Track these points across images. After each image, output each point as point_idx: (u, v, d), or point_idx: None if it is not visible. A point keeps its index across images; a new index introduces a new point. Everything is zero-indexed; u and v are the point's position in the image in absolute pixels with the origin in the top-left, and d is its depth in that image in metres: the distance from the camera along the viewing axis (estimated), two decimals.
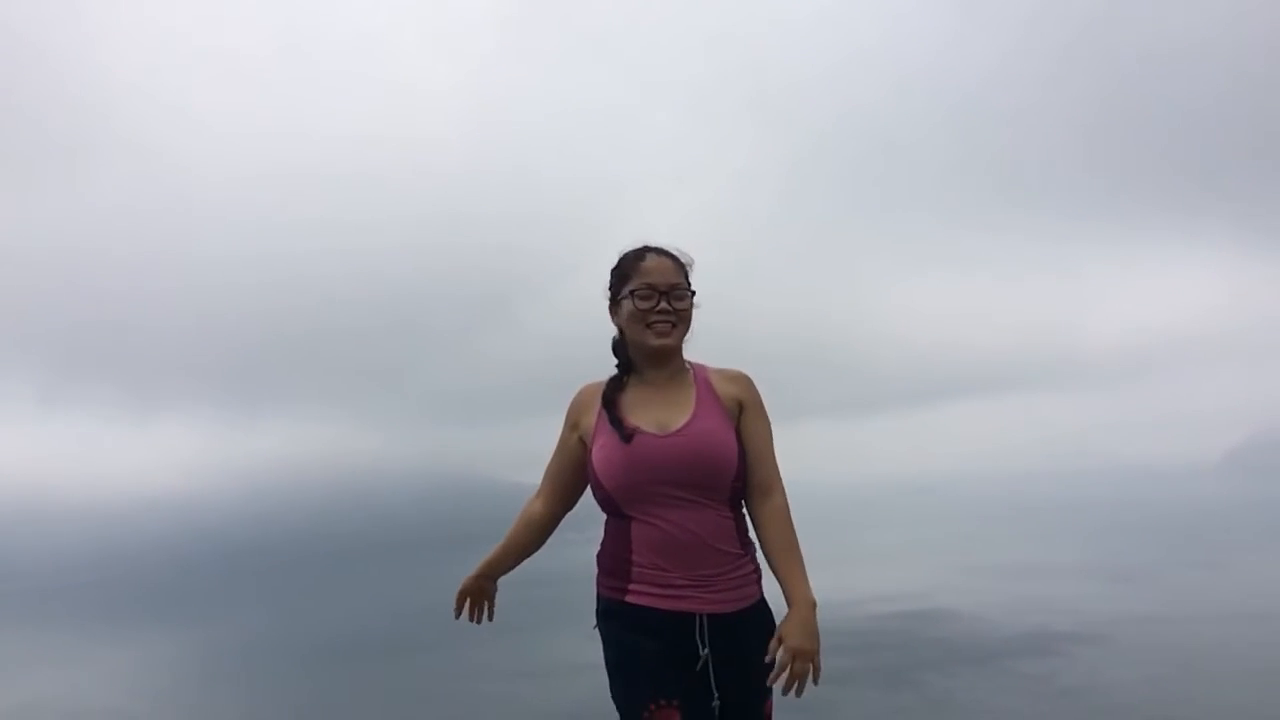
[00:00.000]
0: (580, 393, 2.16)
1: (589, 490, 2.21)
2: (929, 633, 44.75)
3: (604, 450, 2.06)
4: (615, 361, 2.23)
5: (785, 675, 1.94)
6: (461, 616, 2.34)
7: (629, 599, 2.01)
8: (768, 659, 1.96)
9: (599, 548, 2.16)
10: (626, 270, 2.14)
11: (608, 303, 2.20)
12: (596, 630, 2.14)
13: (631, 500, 2.02)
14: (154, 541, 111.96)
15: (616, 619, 2.04)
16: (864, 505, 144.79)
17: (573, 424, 2.16)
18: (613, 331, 2.25)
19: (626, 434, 2.03)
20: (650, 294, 2.08)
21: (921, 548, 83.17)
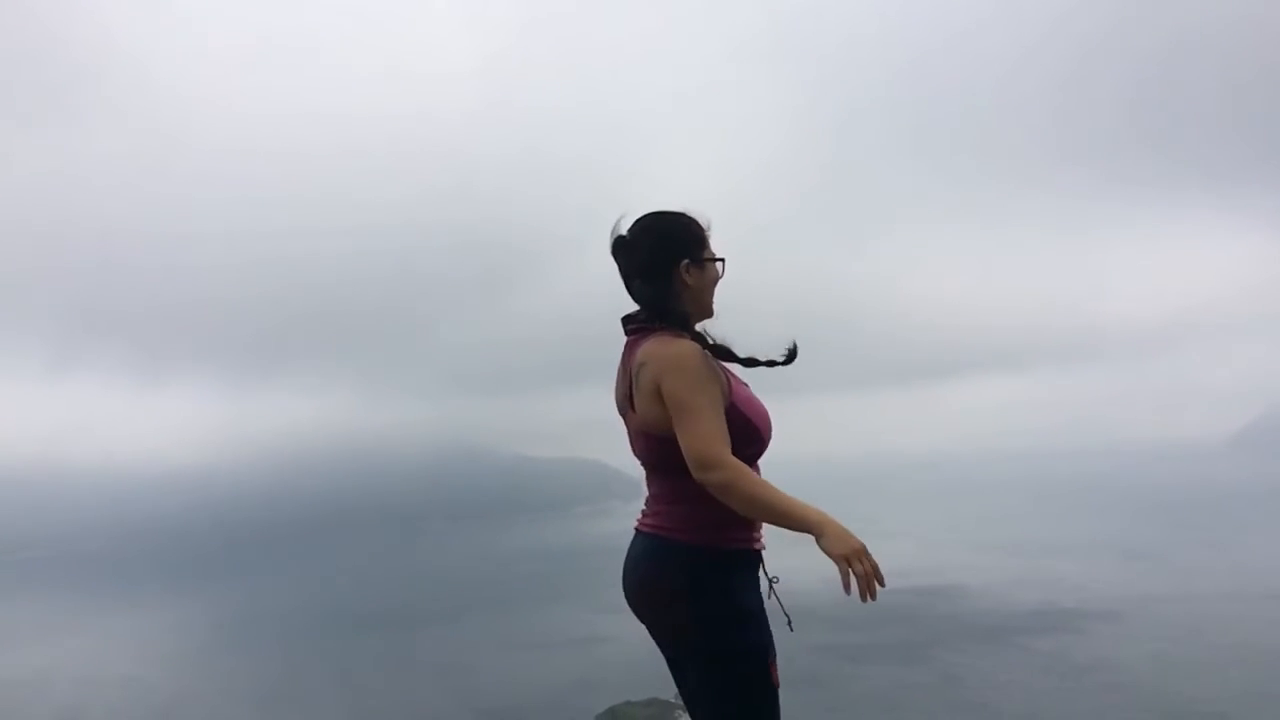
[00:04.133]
0: (698, 349, 2.01)
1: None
2: (940, 609, 44.87)
3: (755, 404, 2.09)
4: (655, 318, 2.09)
5: None
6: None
7: (757, 546, 2.08)
8: None
9: (705, 506, 1.98)
10: (702, 236, 2.15)
11: (677, 259, 2.09)
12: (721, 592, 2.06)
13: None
14: (163, 510, 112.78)
15: (751, 567, 2.08)
16: (874, 480, 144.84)
17: (718, 379, 2.02)
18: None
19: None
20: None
21: (932, 524, 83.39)
